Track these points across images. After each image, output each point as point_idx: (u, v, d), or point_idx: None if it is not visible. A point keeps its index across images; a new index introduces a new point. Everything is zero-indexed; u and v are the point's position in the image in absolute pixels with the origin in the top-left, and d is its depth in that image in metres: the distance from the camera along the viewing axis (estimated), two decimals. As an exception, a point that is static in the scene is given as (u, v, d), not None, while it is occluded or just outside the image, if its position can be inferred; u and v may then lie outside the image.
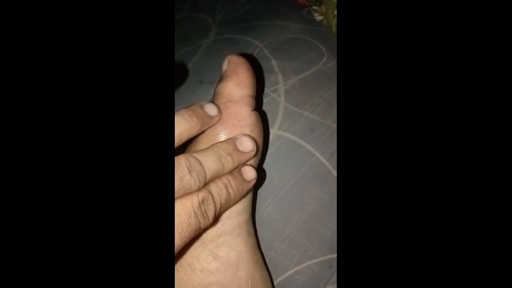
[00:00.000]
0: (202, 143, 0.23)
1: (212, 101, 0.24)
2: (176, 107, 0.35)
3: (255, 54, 0.37)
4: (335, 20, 0.37)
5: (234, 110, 0.22)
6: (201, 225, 0.17)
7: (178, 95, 0.36)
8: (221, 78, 0.24)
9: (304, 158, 0.30)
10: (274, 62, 0.35)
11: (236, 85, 0.23)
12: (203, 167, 0.18)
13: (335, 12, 0.38)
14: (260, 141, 0.24)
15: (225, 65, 0.24)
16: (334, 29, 0.38)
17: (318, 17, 0.39)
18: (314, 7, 0.40)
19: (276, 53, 0.36)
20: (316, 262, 0.28)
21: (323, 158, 0.30)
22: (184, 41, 0.42)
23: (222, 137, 0.23)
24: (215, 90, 0.24)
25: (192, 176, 0.17)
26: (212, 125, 0.22)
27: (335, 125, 0.31)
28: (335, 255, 0.28)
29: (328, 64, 0.35)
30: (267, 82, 0.34)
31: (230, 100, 0.23)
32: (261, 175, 0.29)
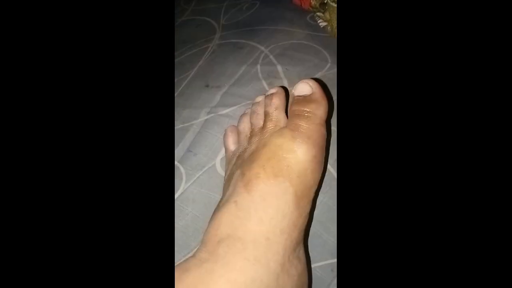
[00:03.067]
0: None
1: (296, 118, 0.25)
2: (182, 111, 0.35)
3: (260, 59, 0.37)
4: (339, 27, 0.38)
5: (323, 133, 0.25)
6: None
7: (184, 98, 0.36)
8: (308, 100, 0.25)
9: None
10: (279, 68, 0.36)
11: (325, 112, 0.25)
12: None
13: (339, 19, 0.38)
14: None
15: (306, 87, 0.25)
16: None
17: (322, 23, 0.40)
18: (318, 13, 0.41)
19: (281, 59, 0.37)
20: (318, 266, 0.29)
21: (327, 164, 0.30)
22: (189, 43, 0.43)
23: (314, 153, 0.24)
24: (302, 107, 0.25)
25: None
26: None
27: (339, 131, 0.32)
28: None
29: (332, 70, 0.36)
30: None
31: (321, 123, 0.24)
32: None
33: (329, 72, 0.36)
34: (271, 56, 0.37)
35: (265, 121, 0.27)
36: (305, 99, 0.25)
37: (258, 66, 0.36)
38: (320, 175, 0.25)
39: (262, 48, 0.38)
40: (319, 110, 0.24)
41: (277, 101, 0.27)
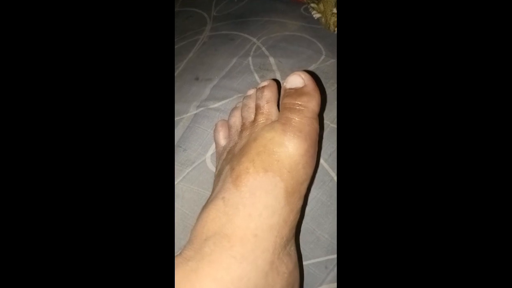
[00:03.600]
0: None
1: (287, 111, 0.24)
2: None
3: (252, 51, 0.36)
4: (333, 18, 0.37)
5: (315, 127, 0.24)
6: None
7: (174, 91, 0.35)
8: (300, 93, 0.24)
9: (301, 158, 0.29)
10: (271, 60, 0.35)
11: (318, 105, 0.24)
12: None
13: (334, 10, 0.37)
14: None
15: (298, 79, 0.24)
16: (332, 27, 0.38)
17: (316, 15, 0.39)
18: (312, 5, 0.39)
19: (273, 51, 0.35)
20: (311, 263, 0.28)
21: (321, 159, 0.29)
22: (179, 35, 0.41)
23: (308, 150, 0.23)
24: (293, 100, 0.24)
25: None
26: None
27: (333, 125, 0.31)
28: (331, 256, 0.28)
29: (326, 62, 0.35)
30: (264, 80, 0.33)
31: (313, 116, 0.24)
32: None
33: (323, 65, 0.35)
34: (263, 48, 0.36)
35: (256, 115, 0.26)
36: (296, 92, 0.24)
37: (250, 58, 0.35)
38: (312, 170, 0.24)
39: (254, 39, 0.37)
40: (311, 103, 0.24)
41: (269, 94, 0.26)
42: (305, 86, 0.24)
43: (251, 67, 0.34)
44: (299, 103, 0.23)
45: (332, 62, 0.35)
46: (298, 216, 0.23)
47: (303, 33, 0.37)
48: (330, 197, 0.29)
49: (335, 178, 0.29)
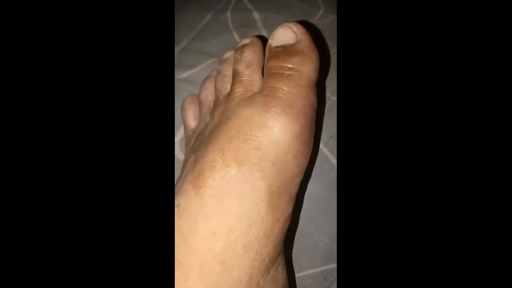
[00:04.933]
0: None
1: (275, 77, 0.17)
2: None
3: (231, 4, 0.28)
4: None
5: (311, 100, 0.17)
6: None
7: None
8: (290, 51, 0.17)
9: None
10: (256, 15, 0.27)
11: (315, 69, 0.17)
12: None
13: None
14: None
15: (288, 33, 0.17)
16: (333, -27, 0.30)
17: (313, -42, 0.31)
18: None
19: (258, 3, 0.28)
20: (306, 274, 0.22)
21: (320, 143, 0.23)
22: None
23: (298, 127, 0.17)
24: (281, 62, 0.17)
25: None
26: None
27: (334, 98, 0.24)
28: (331, 265, 0.22)
29: (324, 19, 0.28)
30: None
31: (309, 85, 0.17)
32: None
33: (322, 21, 0.27)
34: (245, 0, 0.28)
35: (232, 84, 0.19)
36: (286, 51, 0.17)
37: (228, 13, 0.28)
38: (307, 160, 0.17)
39: (234, -11, 0.29)
40: (306, 66, 0.17)
41: (250, 56, 0.19)
42: (297, 42, 0.17)
43: (230, 24, 0.27)
44: (289, 65, 0.17)
45: (333, 18, 0.28)
46: (287, 224, 0.17)
47: (296, -19, 0.30)
48: (331, 191, 0.23)
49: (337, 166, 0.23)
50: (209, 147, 0.16)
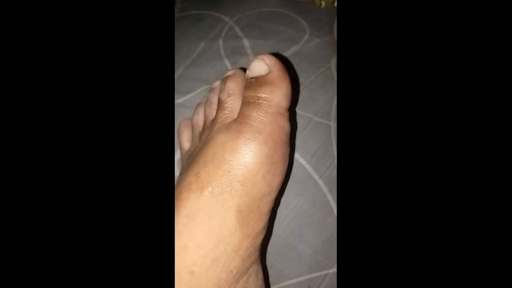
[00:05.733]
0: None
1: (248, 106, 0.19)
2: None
3: (223, 32, 0.31)
4: (319, -11, 0.31)
5: (281, 125, 0.19)
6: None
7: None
8: (261, 82, 0.19)
9: (279, 160, 0.25)
10: (245, 42, 0.30)
11: (285, 96, 0.19)
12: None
13: (320, -20, 0.31)
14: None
15: (261, 65, 0.19)
16: (318, 1, 0.32)
17: (300, -14, 0.33)
18: (295, -26, 0.34)
19: (248, 31, 0.30)
20: (292, 283, 0.24)
21: (302, 160, 0.25)
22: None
23: (267, 150, 0.18)
24: (253, 92, 0.19)
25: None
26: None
27: (317, 119, 0.26)
28: (315, 274, 0.24)
29: (310, 43, 0.30)
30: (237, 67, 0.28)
31: (278, 111, 0.19)
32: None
33: (307, 46, 0.29)
34: (236, 28, 0.31)
35: (217, 111, 0.21)
36: (258, 82, 0.19)
37: (221, 41, 0.30)
38: (279, 179, 0.19)
39: (227, 19, 0.31)
40: (275, 94, 0.18)
41: (232, 86, 0.21)
42: (268, 73, 0.19)
43: (221, 51, 0.29)
44: (259, 95, 0.19)
45: (317, 42, 0.30)
46: (259, 239, 0.19)
47: (283, 8, 0.32)
48: (314, 205, 0.24)
49: (320, 181, 0.25)
50: (188, 170, 0.19)
